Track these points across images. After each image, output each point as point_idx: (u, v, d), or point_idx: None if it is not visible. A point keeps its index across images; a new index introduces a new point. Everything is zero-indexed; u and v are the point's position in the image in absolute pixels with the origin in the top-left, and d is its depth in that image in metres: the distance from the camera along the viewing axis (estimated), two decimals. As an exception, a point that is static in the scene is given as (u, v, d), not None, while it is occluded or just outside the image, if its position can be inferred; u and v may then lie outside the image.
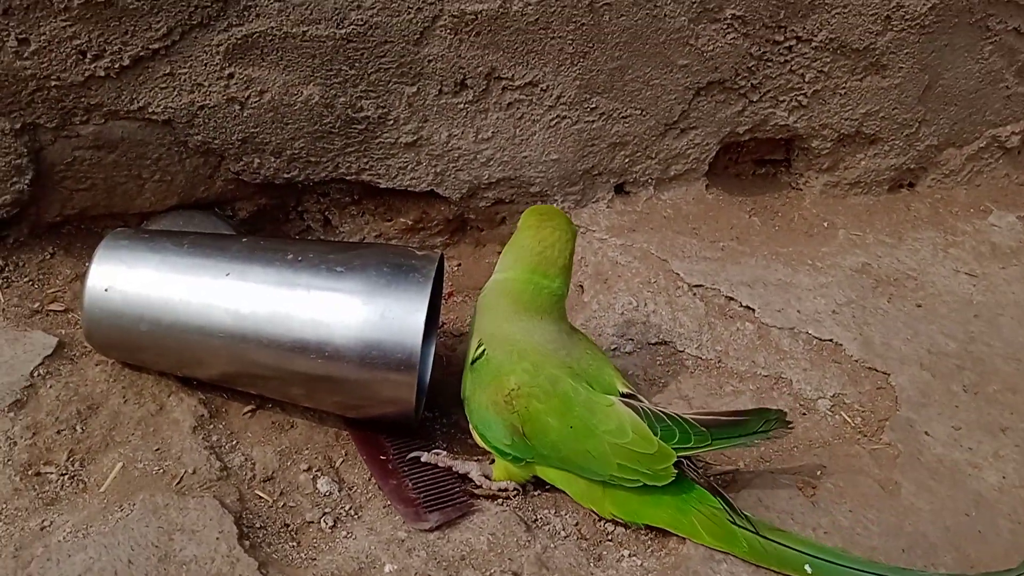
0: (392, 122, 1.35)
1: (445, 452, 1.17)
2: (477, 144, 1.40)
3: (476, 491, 1.13)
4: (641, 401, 1.09)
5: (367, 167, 1.38)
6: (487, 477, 1.13)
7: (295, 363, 1.09)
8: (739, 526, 1.03)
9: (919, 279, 1.56)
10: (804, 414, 1.30)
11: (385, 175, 1.39)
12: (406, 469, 1.14)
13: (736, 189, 1.67)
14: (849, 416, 1.30)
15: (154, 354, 1.15)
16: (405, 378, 1.08)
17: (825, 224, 1.66)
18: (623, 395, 1.09)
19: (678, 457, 1.04)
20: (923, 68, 1.58)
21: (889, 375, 1.35)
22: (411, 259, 1.13)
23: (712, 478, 1.09)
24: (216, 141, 1.30)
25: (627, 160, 1.51)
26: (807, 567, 1.02)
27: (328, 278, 1.11)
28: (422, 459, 1.15)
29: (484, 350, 1.11)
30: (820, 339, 1.40)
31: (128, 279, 1.12)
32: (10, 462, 1.06)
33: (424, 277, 1.10)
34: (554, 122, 1.42)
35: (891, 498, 1.16)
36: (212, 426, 1.16)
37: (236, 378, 1.16)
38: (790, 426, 1.08)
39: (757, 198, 1.68)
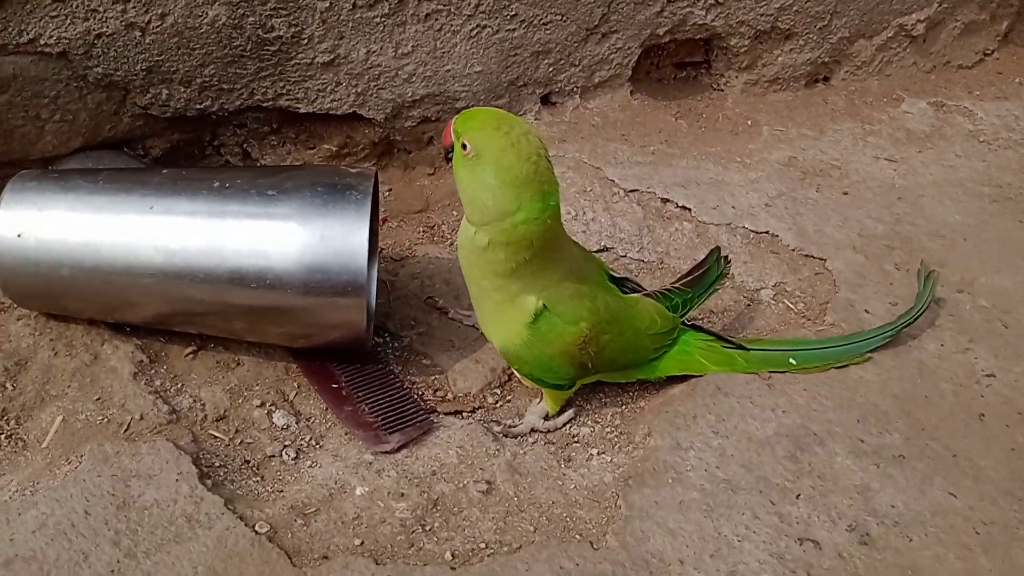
0: (307, 41, 1.28)
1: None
2: (398, 60, 1.34)
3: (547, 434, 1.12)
4: (637, 284, 1.17)
5: (284, 91, 1.32)
6: (546, 419, 1.12)
7: (234, 295, 1.04)
8: (732, 348, 1.17)
9: (843, 168, 1.59)
10: (748, 305, 1.32)
11: (304, 99, 1.33)
12: (360, 395, 1.11)
13: (660, 94, 1.66)
14: (791, 303, 1.33)
15: (80, 301, 1.07)
16: (353, 301, 1.04)
17: (749, 122, 1.67)
18: (613, 279, 1.13)
19: (682, 319, 1.16)
20: (832, -42, 1.59)
21: (825, 260, 1.38)
22: (345, 177, 1.08)
23: (699, 321, 1.23)
24: (118, 73, 1.21)
25: (551, 69, 1.48)
26: (791, 360, 1.18)
27: (260, 203, 1.05)
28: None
29: (544, 306, 1.02)
30: (756, 232, 1.42)
31: (41, 222, 1.04)
32: (-64, 428, 0.98)
33: (362, 195, 1.06)
34: (475, 32, 1.37)
35: (840, 373, 1.19)
36: (153, 371, 1.10)
37: (172, 318, 1.09)
38: (728, 261, 1.24)
39: (681, 101, 1.67)
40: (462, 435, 1.07)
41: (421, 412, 1.09)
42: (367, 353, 1.15)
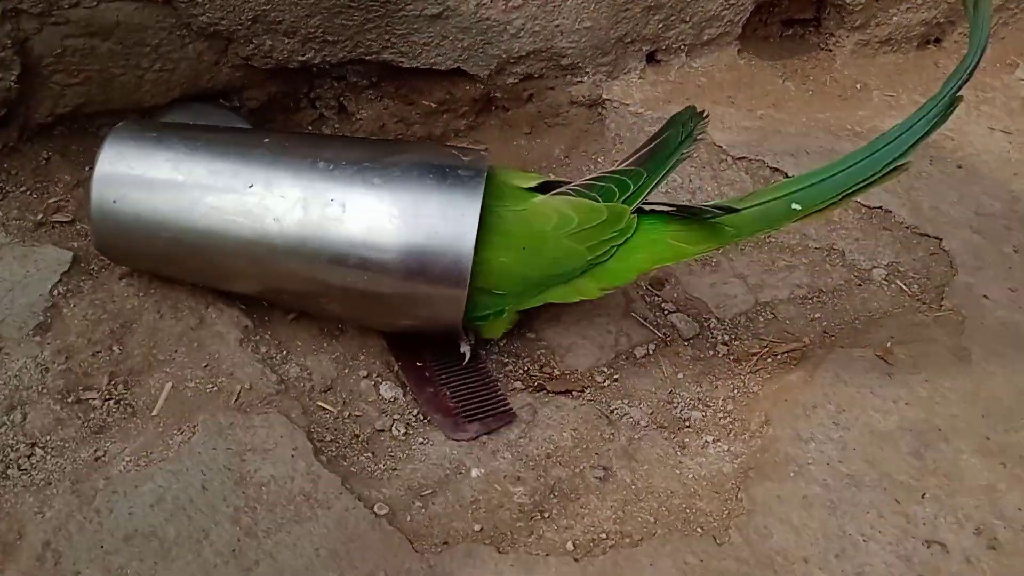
0: (415, -8, 1.22)
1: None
2: (507, 14, 1.27)
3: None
4: (560, 181, 1.03)
5: (389, 44, 1.26)
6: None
7: (334, 282, 0.99)
8: (714, 220, 0.99)
9: (956, 139, 1.51)
10: (860, 284, 1.26)
11: (408, 53, 1.27)
12: (443, 377, 1.07)
13: (766, 53, 1.58)
14: (905, 284, 1.27)
15: (179, 267, 1.05)
16: (455, 292, 0.98)
17: (858, 86, 1.58)
18: (537, 187, 1.02)
19: (635, 206, 1.00)
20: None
21: (941, 240, 1.32)
22: (456, 166, 1.00)
23: (676, 206, 1.04)
24: (224, 22, 1.16)
25: (661, 25, 1.40)
26: (794, 205, 0.98)
27: (366, 192, 0.99)
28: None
29: None
30: (869, 207, 1.36)
31: (138, 190, 1.00)
32: (45, 390, 0.96)
33: (473, 189, 0.98)
34: (587, -15, 1.30)
35: (963, 364, 1.14)
36: (259, 337, 1.07)
37: (271, 295, 1.07)
38: (705, 115, 1.04)
39: (787, 62, 1.59)
40: (576, 417, 1.04)
41: (503, 403, 1.05)
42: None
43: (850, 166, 0.99)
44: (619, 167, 1.04)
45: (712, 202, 0.99)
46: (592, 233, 0.99)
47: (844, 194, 0.99)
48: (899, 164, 0.98)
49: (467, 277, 0.97)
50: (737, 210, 0.99)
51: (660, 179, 1.03)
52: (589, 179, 1.04)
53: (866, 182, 0.99)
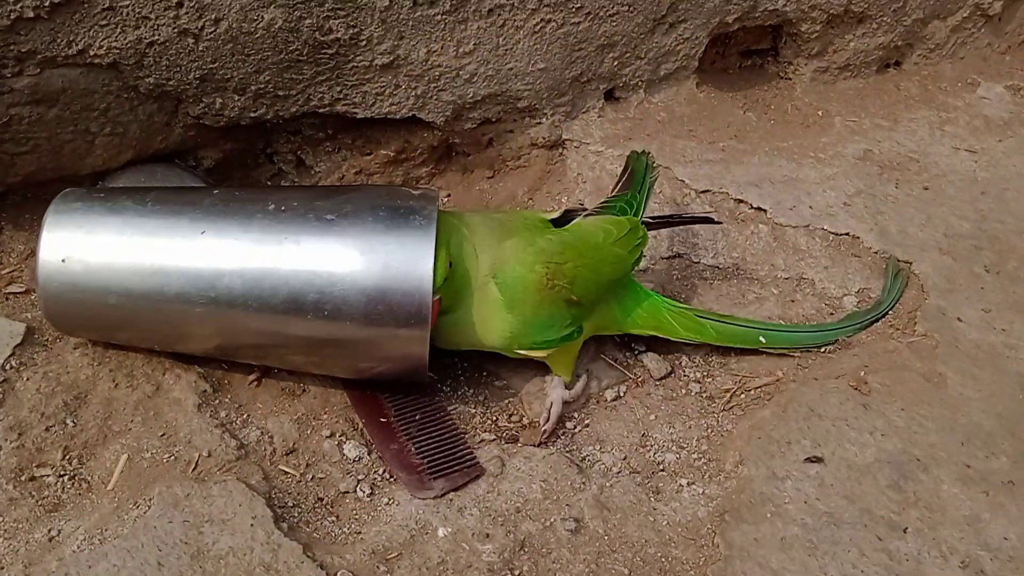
0: (365, 42, 1.21)
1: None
2: (459, 59, 1.27)
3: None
4: (578, 208, 1.18)
5: (341, 96, 1.25)
6: (568, 389, 1.10)
7: (291, 326, 0.97)
8: (704, 319, 1.16)
9: (921, 160, 1.51)
10: (832, 313, 1.25)
11: (362, 103, 1.26)
12: (408, 431, 1.04)
13: (725, 85, 1.58)
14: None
15: (132, 331, 1.02)
16: (416, 333, 0.97)
17: (820, 113, 1.58)
18: (558, 219, 1.12)
19: (641, 219, 1.17)
20: (909, -64, 1.50)
21: (911, 263, 1.31)
22: (408, 200, 1.01)
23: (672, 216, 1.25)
24: (171, 82, 1.15)
25: (616, 63, 1.40)
26: (761, 338, 1.17)
27: (319, 229, 0.98)
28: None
29: (495, 275, 1.03)
30: (837, 234, 1.35)
31: (87, 246, 0.98)
32: (-3, 469, 0.93)
33: (426, 220, 0.98)
34: (539, 27, 1.30)
35: (939, 391, 1.12)
36: (218, 401, 1.05)
37: (230, 349, 1.04)
38: (647, 153, 1.25)
39: (747, 92, 1.59)
40: (545, 467, 1.01)
41: (470, 456, 1.02)
42: (423, 385, 1.09)
43: (807, 332, 1.21)
44: (612, 195, 1.20)
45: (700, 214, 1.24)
46: (627, 240, 1.11)
47: (797, 347, 1.19)
48: (828, 343, 1.20)
49: (427, 314, 0.96)
50: (719, 320, 1.17)
51: (645, 200, 1.19)
52: (601, 204, 1.18)
53: (815, 347, 1.20)
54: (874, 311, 1.23)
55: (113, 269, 0.98)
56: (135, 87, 1.14)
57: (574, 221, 1.13)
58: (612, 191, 1.22)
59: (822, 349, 1.19)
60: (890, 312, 1.24)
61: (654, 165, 1.24)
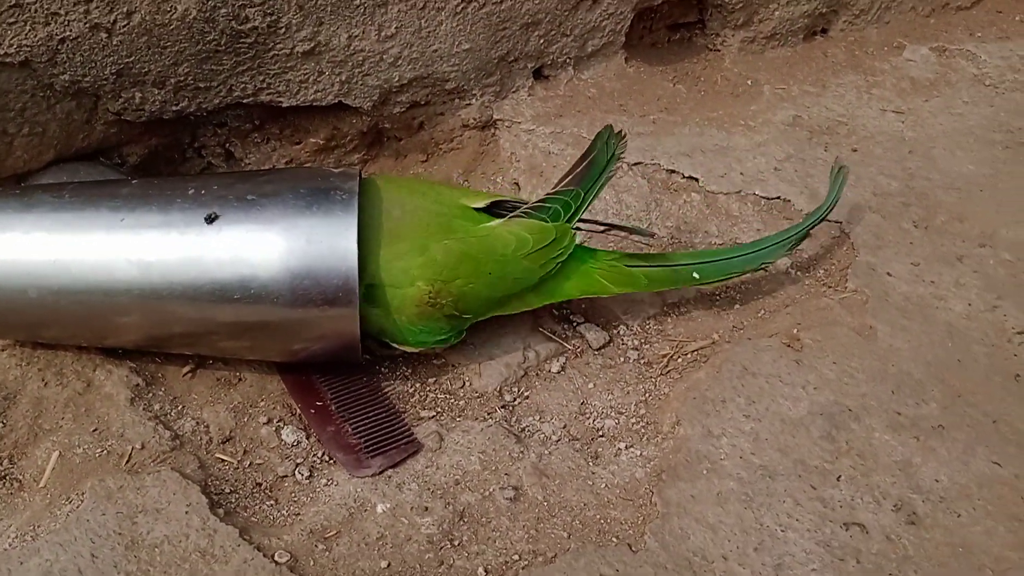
0: (284, 30, 1.20)
1: None
2: (381, 43, 1.27)
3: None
4: (511, 202, 1.10)
5: (264, 85, 1.24)
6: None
7: (219, 311, 0.97)
8: (634, 267, 1.12)
9: (849, 124, 1.53)
10: (766, 275, 1.26)
11: (286, 92, 1.26)
12: (345, 413, 1.04)
13: (655, 59, 1.59)
14: (810, 270, 1.27)
15: (57, 328, 1.00)
16: (346, 310, 0.97)
17: (749, 82, 1.60)
18: (487, 207, 1.08)
19: (574, 224, 1.10)
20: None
21: (841, 223, 1.33)
22: (328, 178, 1.01)
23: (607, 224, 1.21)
24: (87, 79, 1.13)
25: (542, 40, 1.41)
26: (695, 274, 1.14)
27: (240, 210, 0.98)
28: None
29: (368, 287, 1.00)
30: (768, 198, 1.36)
31: (2, 243, 0.96)
32: (-75, 475, 0.92)
33: (347, 194, 0.99)
34: (461, 7, 1.30)
35: (870, 343, 1.14)
36: (151, 395, 1.04)
37: (159, 340, 1.02)
38: (623, 138, 1.15)
39: (677, 65, 1.61)
40: (483, 439, 1.02)
41: (407, 433, 1.02)
42: (358, 365, 1.09)
43: (741, 255, 1.18)
44: (561, 187, 1.13)
45: (634, 225, 1.21)
46: (544, 253, 1.06)
47: (732, 275, 1.18)
48: (766, 264, 1.20)
49: (354, 288, 0.96)
50: (649, 266, 1.13)
51: (592, 198, 1.13)
52: (537, 201, 1.11)
53: (746, 272, 1.19)
54: (814, 216, 1.23)
55: (29, 264, 0.96)
56: (50, 85, 1.12)
57: (493, 223, 1.07)
58: (562, 180, 1.14)
59: (758, 313, 1.20)
60: (828, 216, 1.25)
61: (620, 156, 1.14)
